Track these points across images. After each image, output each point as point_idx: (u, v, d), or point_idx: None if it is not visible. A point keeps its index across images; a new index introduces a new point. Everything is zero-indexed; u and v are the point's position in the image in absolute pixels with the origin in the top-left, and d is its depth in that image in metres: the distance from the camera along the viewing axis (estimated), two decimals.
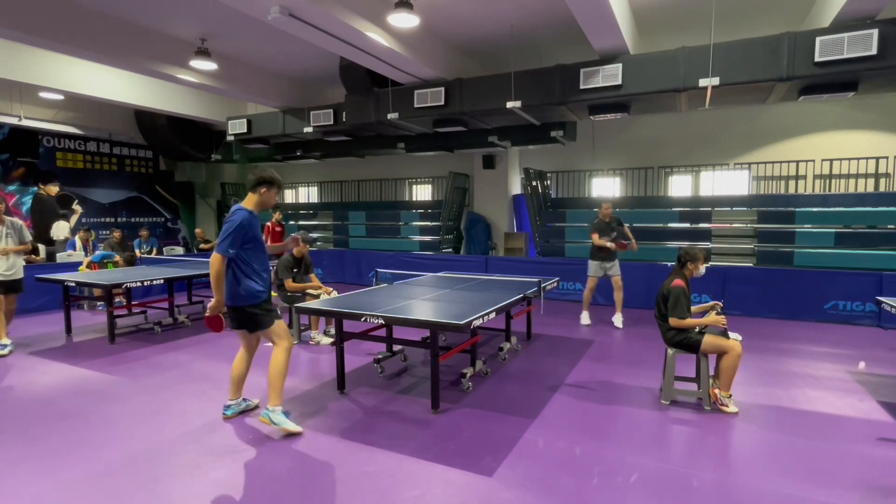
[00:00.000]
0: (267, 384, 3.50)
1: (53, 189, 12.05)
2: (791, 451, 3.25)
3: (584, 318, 6.97)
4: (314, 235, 12.90)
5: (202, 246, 11.57)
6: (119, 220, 14.07)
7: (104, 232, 12.68)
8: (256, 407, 3.90)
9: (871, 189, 8.43)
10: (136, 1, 7.09)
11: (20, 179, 12.06)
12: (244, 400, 3.86)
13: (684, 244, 4.67)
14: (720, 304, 4.12)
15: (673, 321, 3.91)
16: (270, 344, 3.60)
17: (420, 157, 11.95)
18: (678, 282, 3.95)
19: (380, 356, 4.83)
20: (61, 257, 8.77)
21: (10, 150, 11.88)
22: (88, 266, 8.08)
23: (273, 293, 3.88)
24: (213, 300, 3.45)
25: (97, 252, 8.48)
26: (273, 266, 6.91)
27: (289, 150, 11.98)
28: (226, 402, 3.80)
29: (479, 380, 4.61)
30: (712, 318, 3.90)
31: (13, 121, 11.07)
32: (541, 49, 8.74)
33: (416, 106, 8.42)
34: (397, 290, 5.16)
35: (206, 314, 3.50)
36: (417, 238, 11.16)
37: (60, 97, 10.66)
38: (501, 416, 3.80)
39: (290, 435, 3.43)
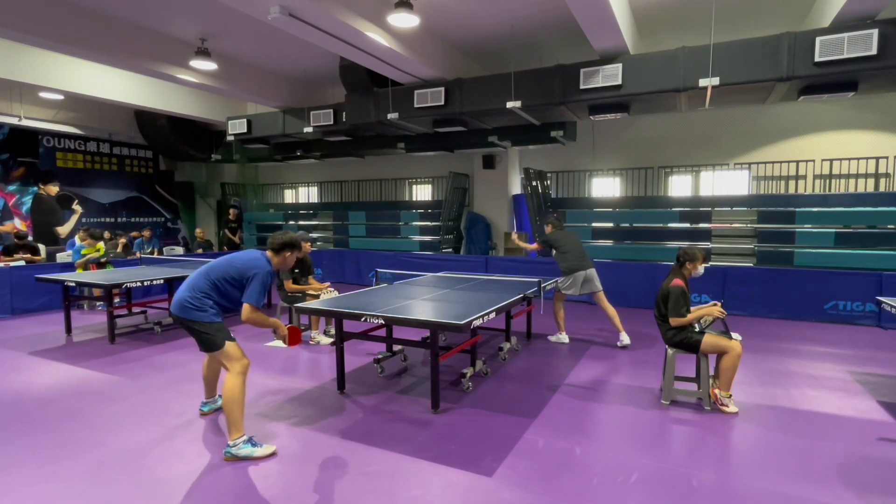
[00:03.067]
0: (224, 416, 3.19)
1: (53, 189, 12.07)
2: (791, 451, 3.25)
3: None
4: (314, 235, 12.90)
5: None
6: (119, 220, 14.08)
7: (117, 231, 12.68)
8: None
9: (871, 189, 8.43)
10: (136, 1, 7.10)
11: (20, 179, 12.07)
12: (220, 396, 3.91)
13: (684, 244, 4.67)
14: (719, 303, 4.12)
15: (673, 321, 3.91)
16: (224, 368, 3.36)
17: (420, 157, 11.95)
18: (677, 281, 3.95)
19: (380, 356, 4.83)
20: (61, 257, 8.77)
21: (10, 150, 11.89)
22: (86, 267, 8.07)
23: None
24: (276, 330, 3.43)
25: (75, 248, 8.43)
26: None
27: (289, 150, 11.98)
28: (202, 400, 3.93)
29: (479, 380, 4.61)
30: (711, 309, 3.90)
31: (13, 121, 11.08)
32: (541, 49, 8.74)
33: (416, 106, 8.42)
34: (397, 290, 5.16)
35: (283, 334, 3.42)
36: (417, 238, 11.15)
37: (60, 97, 10.67)
38: (501, 416, 3.80)
39: (269, 457, 3.14)
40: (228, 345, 3.29)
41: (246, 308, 3.23)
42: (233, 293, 3.34)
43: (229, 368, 3.27)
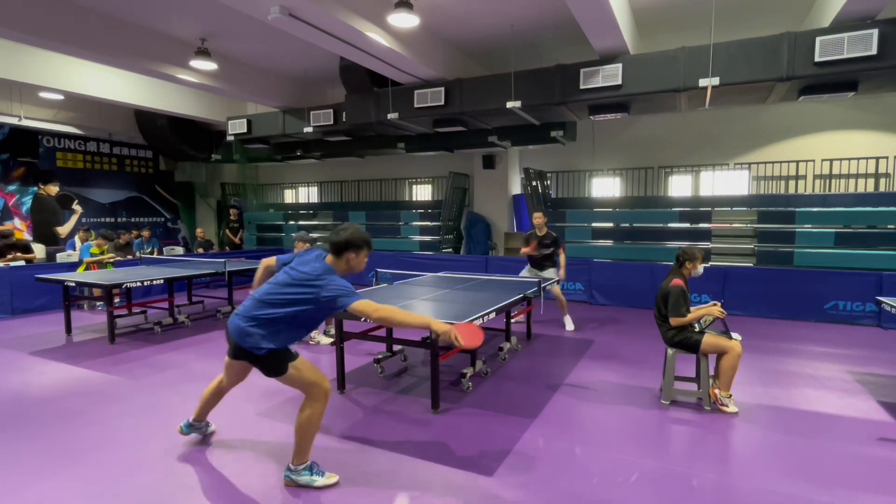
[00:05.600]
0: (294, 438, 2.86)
1: (53, 189, 12.04)
2: (791, 451, 3.25)
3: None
4: (314, 235, 12.89)
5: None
6: (119, 220, 14.08)
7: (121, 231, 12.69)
8: (213, 433, 3.48)
9: (871, 189, 8.43)
10: (136, 1, 7.10)
11: (20, 179, 12.07)
12: (208, 424, 3.46)
13: (684, 244, 4.66)
14: (719, 303, 4.12)
15: (674, 320, 3.91)
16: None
17: (420, 157, 11.95)
18: (677, 281, 3.95)
19: (380, 356, 4.83)
20: (61, 257, 8.77)
21: (10, 150, 11.89)
22: (87, 267, 8.07)
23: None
24: (433, 330, 2.73)
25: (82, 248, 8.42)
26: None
27: (289, 150, 11.98)
28: (189, 419, 3.39)
29: (479, 380, 4.61)
30: (712, 309, 3.90)
31: (13, 121, 11.07)
32: (541, 49, 8.74)
33: (416, 106, 8.42)
34: (397, 290, 5.16)
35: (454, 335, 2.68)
36: (417, 238, 11.16)
37: (60, 97, 10.67)
38: (501, 416, 3.80)
39: (331, 486, 2.84)
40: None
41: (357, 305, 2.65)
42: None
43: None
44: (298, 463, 2.85)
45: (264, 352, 2.72)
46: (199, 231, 12.29)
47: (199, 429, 3.42)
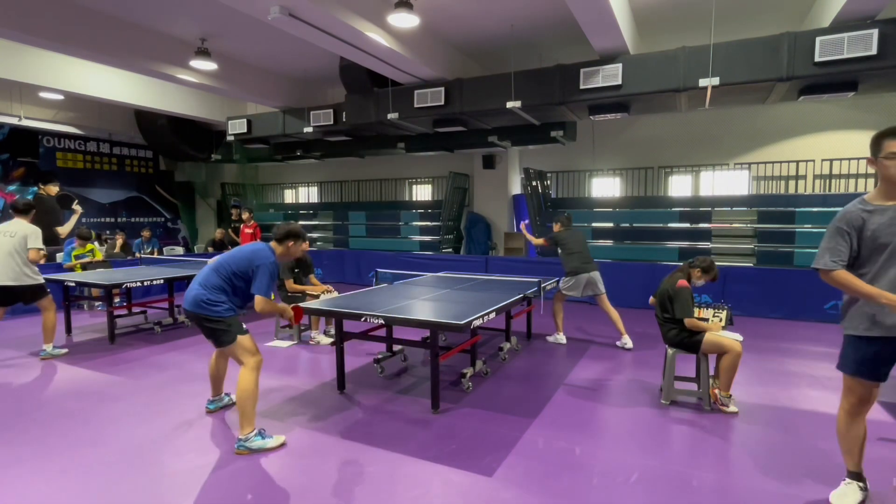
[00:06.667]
0: (238, 409, 3.28)
1: (53, 189, 12.02)
2: (791, 451, 3.25)
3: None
4: (314, 235, 12.89)
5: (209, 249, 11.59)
6: (119, 220, 14.08)
7: (107, 231, 12.71)
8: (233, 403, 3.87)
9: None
10: (136, 1, 7.10)
11: (20, 179, 12.07)
12: (226, 395, 3.96)
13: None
14: (722, 313, 4.13)
15: (689, 321, 3.89)
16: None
17: (420, 157, 11.95)
18: (683, 282, 3.95)
19: (380, 356, 4.83)
20: (61, 257, 8.75)
21: (10, 150, 11.89)
22: (84, 267, 8.05)
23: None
24: (283, 312, 3.55)
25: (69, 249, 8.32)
26: None
27: (289, 150, 11.98)
28: (209, 398, 3.92)
29: (479, 380, 4.61)
30: (710, 327, 3.92)
31: (13, 121, 11.07)
32: (541, 49, 8.74)
33: (416, 106, 8.42)
34: (397, 290, 5.16)
35: (290, 316, 3.58)
36: (417, 238, 11.16)
37: (60, 97, 10.67)
38: (501, 416, 3.80)
39: (279, 447, 3.26)
40: (242, 338, 3.36)
41: (258, 300, 3.29)
42: (242, 288, 3.39)
43: (243, 362, 3.34)
44: (248, 431, 3.21)
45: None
46: (218, 232, 12.19)
47: (220, 402, 3.90)
